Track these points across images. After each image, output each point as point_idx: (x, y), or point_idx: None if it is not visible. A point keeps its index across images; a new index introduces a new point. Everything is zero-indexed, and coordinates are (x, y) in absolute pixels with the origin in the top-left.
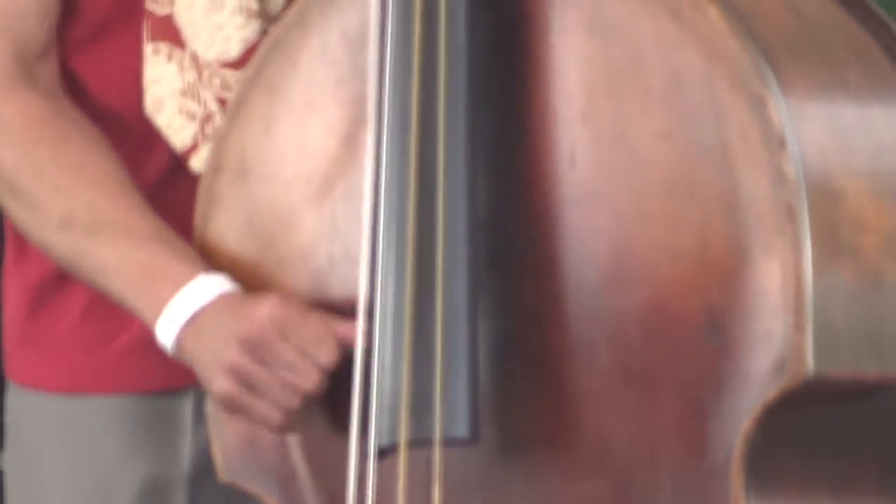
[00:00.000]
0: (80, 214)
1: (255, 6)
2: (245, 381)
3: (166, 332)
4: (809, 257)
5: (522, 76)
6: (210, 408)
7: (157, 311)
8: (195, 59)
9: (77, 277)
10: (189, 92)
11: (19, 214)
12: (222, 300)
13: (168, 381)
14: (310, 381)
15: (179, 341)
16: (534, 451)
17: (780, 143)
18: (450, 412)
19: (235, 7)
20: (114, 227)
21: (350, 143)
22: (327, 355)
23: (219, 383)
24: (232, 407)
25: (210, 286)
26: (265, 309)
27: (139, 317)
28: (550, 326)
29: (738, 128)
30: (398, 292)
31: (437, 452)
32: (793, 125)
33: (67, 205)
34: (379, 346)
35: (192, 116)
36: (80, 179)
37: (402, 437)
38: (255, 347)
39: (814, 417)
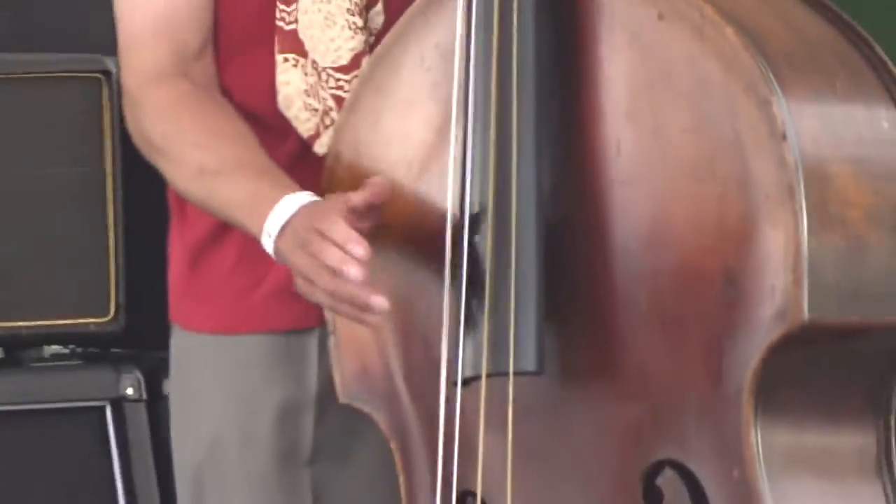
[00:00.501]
0: (210, 162)
1: (360, 23)
2: (303, 275)
3: (268, 245)
4: (805, 227)
5: (578, 82)
6: (331, 341)
7: (260, 229)
8: (315, 65)
9: (210, 213)
10: (311, 91)
11: (168, 170)
12: (302, 210)
13: (298, 322)
14: (332, 258)
15: (277, 250)
16: (586, 381)
17: (782, 136)
18: (521, 350)
19: (344, 24)
20: (231, 169)
21: (442, 132)
22: (339, 233)
23: (295, 281)
24: (307, 297)
25: (294, 202)
26: (304, 210)
27: (255, 237)
28: (600, 281)
29: (748, 124)
30: (481, 242)
31: (510, 383)
32: (792, 122)
33: (201, 156)
34: (466, 296)
35: (314, 111)
36: (212, 136)
37: (483, 370)
38: (303, 243)
39: (809, 356)
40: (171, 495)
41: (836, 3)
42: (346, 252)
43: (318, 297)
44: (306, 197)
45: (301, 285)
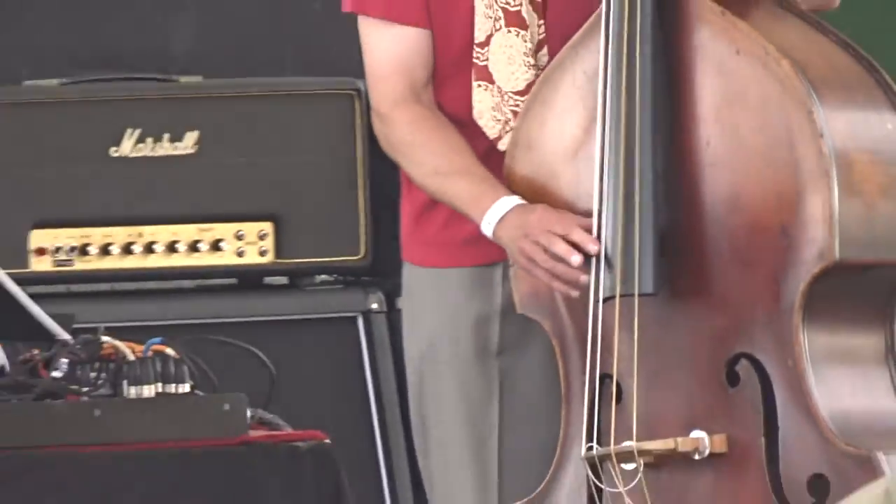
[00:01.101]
0: (443, 167)
1: (532, 62)
2: (527, 256)
3: (487, 229)
4: (836, 197)
5: (680, 98)
6: (511, 272)
7: (481, 218)
8: (499, 89)
9: (440, 202)
10: (496, 108)
11: (409, 168)
12: (516, 209)
13: (487, 259)
14: (561, 249)
15: (495, 234)
16: (687, 300)
17: (820, 135)
18: (643, 279)
19: (521, 62)
20: (459, 173)
21: (588, 130)
22: (571, 239)
23: (516, 257)
24: (525, 269)
25: (508, 202)
26: (537, 213)
27: (473, 221)
28: (697, 233)
29: (798, 126)
30: (615, 208)
31: (636, 300)
32: (827, 125)
33: (437, 162)
34: (603, 240)
35: (498, 120)
36: (445, 148)
37: (617, 290)
38: (530, 235)
39: (838, 283)
40: (403, 380)
41: (851, 37)
42: (578, 247)
43: (537, 272)
44: (516, 200)
45: (522, 263)
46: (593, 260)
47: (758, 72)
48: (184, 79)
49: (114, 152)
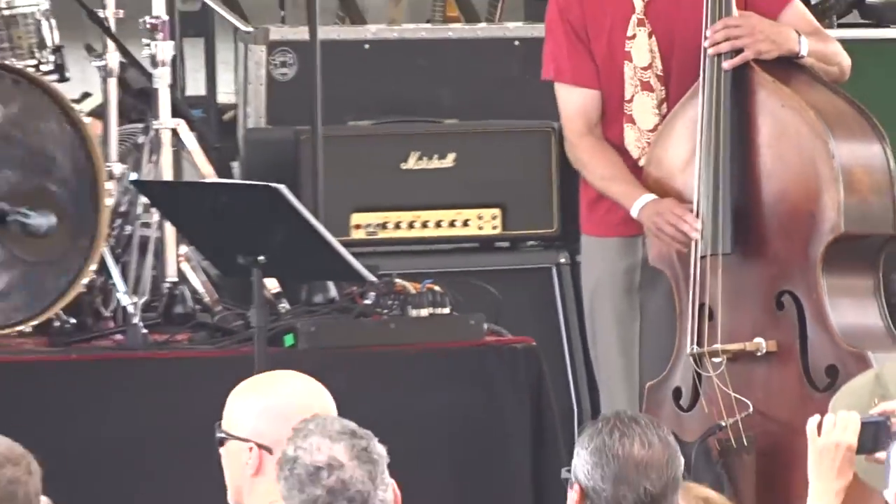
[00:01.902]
0: (606, 175)
1: (657, 111)
2: (658, 228)
3: (634, 214)
4: (842, 193)
5: (748, 132)
6: (647, 240)
7: (630, 207)
8: (639, 129)
9: (603, 196)
10: (638, 140)
11: (586, 175)
12: (651, 202)
13: (633, 231)
14: (678, 224)
15: (638, 217)
16: (753, 257)
17: (832, 156)
18: (724, 242)
19: (651, 112)
20: (615, 178)
21: (692, 153)
22: (685, 220)
23: (651, 231)
24: (656, 237)
25: (646, 198)
26: (664, 204)
27: (624, 208)
28: (757, 215)
29: (818, 152)
30: (707, 201)
31: (720, 257)
32: (836, 150)
33: (602, 171)
34: (701, 219)
35: (639, 148)
36: (609, 163)
37: (709, 250)
38: (660, 216)
39: (844, 247)
40: (581, 308)
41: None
42: (689, 225)
43: (664, 238)
44: (650, 196)
45: (654, 233)
46: (693, 234)
47: (795, 118)
48: (447, 121)
49: (403, 166)
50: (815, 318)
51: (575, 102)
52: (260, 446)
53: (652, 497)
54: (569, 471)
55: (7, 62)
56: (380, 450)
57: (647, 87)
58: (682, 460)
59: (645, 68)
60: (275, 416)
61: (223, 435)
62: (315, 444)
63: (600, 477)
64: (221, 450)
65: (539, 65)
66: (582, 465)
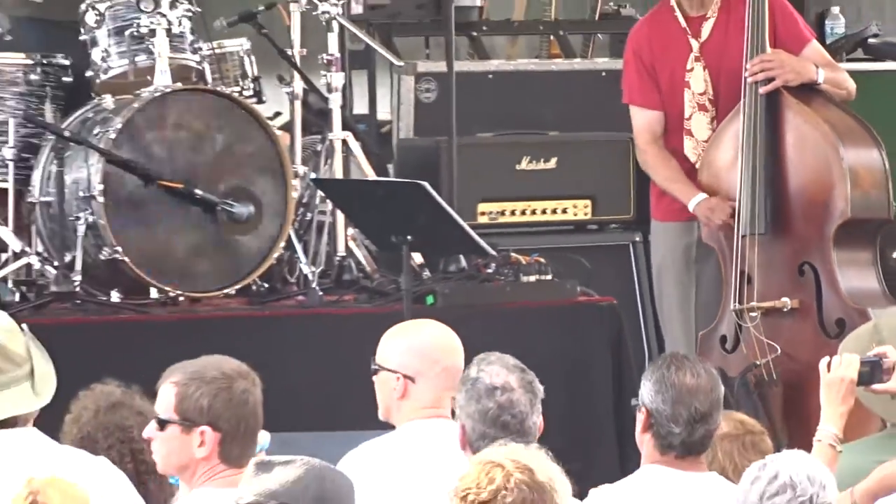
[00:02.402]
0: (669, 177)
1: (710, 126)
2: (707, 217)
3: (690, 207)
4: (849, 187)
5: (777, 141)
6: (701, 224)
7: (688, 202)
8: (696, 140)
9: (666, 192)
10: (695, 148)
11: (653, 177)
12: (703, 199)
13: (689, 217)
14: (723, 216)
15: (693, 210)
16: (781, 235)
17: (842, 159)
18: (760, 224)
19: (705, 127)
20: (675, 180)
21: (735, 158)
22: (727, 212)
23: (703, 218)
24: (706, 223)
25: (699, 196)
26: (713, 200)
27: (682, 202)
28: (784, 202)
29: (832, 155)
30: (747, 195)
31: (756, 237)
32: (845, 154)
33: (665, 174)
34: (742, 208)
35: (696, 155)
36: (669, 167)
37: (748, 231)
38: (709, 210)
39: (851, 228)
40: (651, 277)
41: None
42: (727, 219)
43: (713, 225)
44: (703, 195)
45: (705, 220)
46: (737, 217)
47: (814, 131)
48: (550, 133)
49: (517, 167)
50: (828, 283)
51: (643, 120)
52: (405, 376)
53: (701, 414)
54: (637, 399)
55: (219, 89)
56: (539, 386)
57: (702, 107)
58: (723, 388)
59: (700, 94)
60: (416, 353)
61: (376, 367)
62: (495, 370)
63: (661, 400)
64: (375, 378)
65: (620, 91)
66: (647, 392)
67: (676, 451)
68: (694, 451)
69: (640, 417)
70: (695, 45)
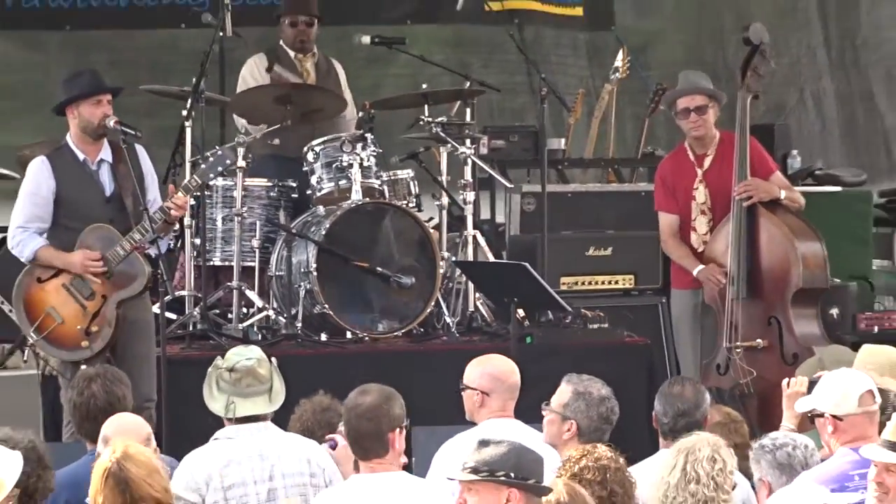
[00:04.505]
0: (681, 256)
1: (709, 224)
2: (707, 283)
3: (693, 271)
4: (801, 268)
5: (753, 237)
6: (704, 289)
7: (692, 269)
8: (699, 234)
9: (681, 267)
10: (698, 240)
11: (670, 255)
12: (703, 268)
13: (698, 286)
14: (715, 272)
15: (697, 276)
16: (755, 300)
17: (798, 249)
18: (744, 290)
19: (705, 225)
20: (686, 257)
21: (727, 246)
22: (718, 270)
23: (705, 284)
24: (707, 286)
25: (701, 266)
26: (710, 268)
27: (691, 272)
28: (758, 278)
29: (790, 247)
30: (736, 269)
31: (740, 300)
32: (799, 247)
33: (678, 253)
34: (734, 281)
35: (699, 243)
36: (682, 250)
37: (735, 296)
38: (706, 271)
39: (803, 294)
40: (672, 325)
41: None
42: (718, 279)
43: (711, 289)
44: (702, 265)
45: (705, 284)
46: (728, 286)
47: (778, 230)
48: (608, 231)
49: (586, 253)
50: (787, 330)
51: (666, 221)
52: (481, 392)
53: (682, 411)
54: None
55: (392, 202)
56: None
57: (703, 213)
58: (707, 395)
59: (703, 203)
60: (488, 376)
61: (463, 386)
62: (598, 386)
63: (659, 402)
64: (462, 393)
65: (653, 202)
66: (656, 404)
67: (667, 436)
68: (679, 436)
69: (654, 419)
70: (699, 172)
